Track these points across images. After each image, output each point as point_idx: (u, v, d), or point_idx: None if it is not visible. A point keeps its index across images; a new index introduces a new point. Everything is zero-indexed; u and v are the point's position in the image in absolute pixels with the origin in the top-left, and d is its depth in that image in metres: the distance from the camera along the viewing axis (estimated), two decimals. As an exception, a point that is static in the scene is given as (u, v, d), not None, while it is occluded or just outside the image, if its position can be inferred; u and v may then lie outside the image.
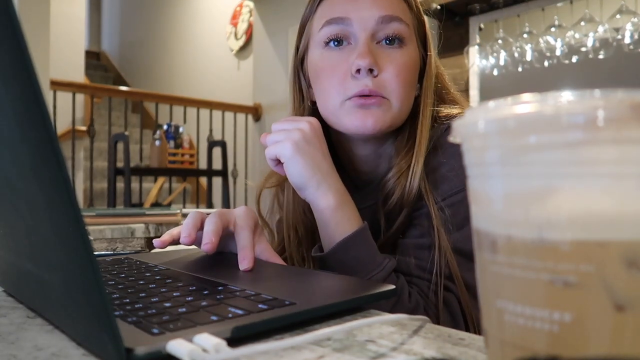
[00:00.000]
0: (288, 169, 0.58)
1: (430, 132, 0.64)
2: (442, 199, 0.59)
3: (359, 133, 0.62)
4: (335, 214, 0.58)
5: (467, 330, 0.56)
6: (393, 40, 0.62)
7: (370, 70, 0.60)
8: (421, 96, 0.65)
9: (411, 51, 0.64)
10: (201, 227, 0.57)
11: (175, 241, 0.60)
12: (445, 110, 0.67)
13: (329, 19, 0.63)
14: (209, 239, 0.54)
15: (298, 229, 0.70)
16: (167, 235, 0.60)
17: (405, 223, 0.63)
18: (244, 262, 0.52)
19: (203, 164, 3.93)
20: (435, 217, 0.59)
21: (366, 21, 0.61)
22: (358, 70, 0.60)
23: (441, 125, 0.64)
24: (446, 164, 0.61)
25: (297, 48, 0.71)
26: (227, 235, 0.58)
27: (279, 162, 0.60)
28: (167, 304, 0.37)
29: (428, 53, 0.67)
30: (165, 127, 3.34)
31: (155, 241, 0.59)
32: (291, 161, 0.57)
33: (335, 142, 0.71)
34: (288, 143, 0.57)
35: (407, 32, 0.63)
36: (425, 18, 0.69)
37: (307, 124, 0.59)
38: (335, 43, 0.63)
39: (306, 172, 0.57)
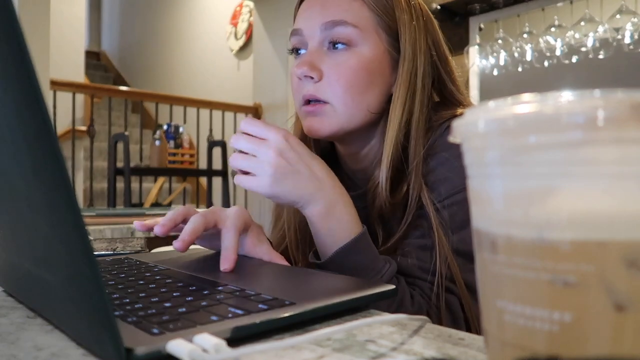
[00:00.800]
0: (273, 200, 0.58)
1: (428, 133, 0.63)
2: (442, 200, 0.59)
3: (312, 136, 0.65)
4: (327, 223, 0.56)
5: (469, 331, 0.56)
6: (338, 45, 0.63)
7: (311, 77, 0.62)
8: (393, 94, 0.64)
9: (364, 51, 0.62)
10: (183, 222, 0.57)
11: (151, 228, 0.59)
12: (445, 109, 0.66)
13: (291, 31, 0.67)
14: (182, 237, 0.53)
15: (297, 231, 0.70)
16: (150, 221, 0.60)
17: (407, 224, 0.62)
18: (224, 263, 0.52)
19: (203, 164, 3.93)
20: (434, 219, 0.58)
21: (312, 30, 0.64)
22: (300, 78, 0.63)
23: (440, 126, 0.64)
24: (445, 164, 0.61)
25: None
26: (217, 234, 0.57)
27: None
28: (167, 304, 0.37)
29: (404, 49, 0.64)
30: (165, 127, 3.34)
31: (135, 222, 0.59)
32: (273, 197, 0.56)
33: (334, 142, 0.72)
34: (263, 180, 0.54)
35: (356, 33, 0.62)
36: (407, 12, 0.65)
37: (273, 152, 0.54)
38: (297, 52, 0.67)
39: (291, 198, 0.55)
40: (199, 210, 0.59)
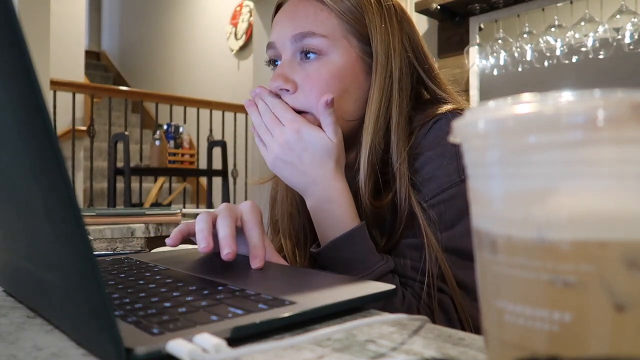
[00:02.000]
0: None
1: (411, 133, 0.63)
2: (428, 199, 0.59)
3: None
4: (322, 214, 0.60)
5: (463, 330, 0.56)
6: (309, 55, 0.63)
7: (287, 90, 0.63)
8: (368, 99, 0.64)
9: (334, 59, 0.63)
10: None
11: (186, 238, 0.58)
12: (429, 108, 0.65)
13: (267, 44, 0.69)
14: (230, 248, 0.51)
15: (292, 227, 0.71)
16: (177, 233, 0.58)
17: (400, 226, 0.62)
18: (256, 261, 0.52)
19: (203, 164, 3.94)
20: (422, 218, 0.58)
21: (283, 42, 0.65)
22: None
23: (423, 126, 0.63)
24: (431, 162, 0.60)
25: None
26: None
27: None
28: (167, 304, 0.37)
29: (376, 53, 0.64)
30: (165, 127, 3.34)
31: (167, 240, 0.58)
32: (274, 170, 0.62)
33: None
34: (269, 155, 0.62)
35: (325, 42, 0.62)
36: (377, 16, 0.65)
37: (289, 131, 0.60)
38: (274, 63, 0.69)
39: (289, 183, 0.62)
40: (207, 210, 0.59)
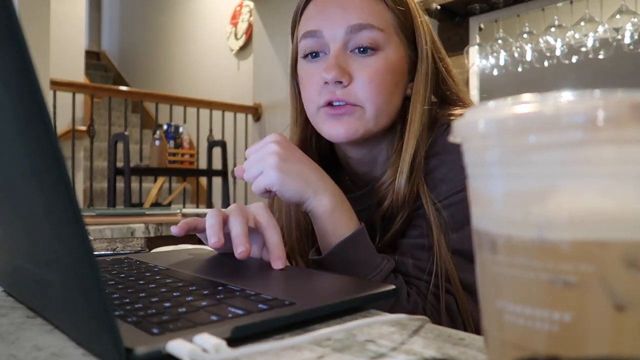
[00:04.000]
0: (282, 194, 0.58)
1: (430, 132, 0.63)
2: (441, 200, 0.59)
3: (335, 140, 0.64)
4: (332, 218, 0.57)
5: (465, 330, 0.56)
6: (365, 49, 0.61)
7: (340, 82, 0.61)
8: (412, 96, 0.64)
9: (389, 54, 0.62)
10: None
11: (192, 231, 0.58)
12: (448, 110, 0.66)
13: (304, 32, 0.65)
14: (244, 246, 0.51)
15: (292, 233, 0.70)
16: (185, 224, 0.57)
17: (404, 225, 0.62)
18: (278, 262, 0.51)
19: (203, 164, 3.93)
20: (433, 219, 0.58)
21: (335, 32, 0.62)
22: (327, 82, 0.61)
23: (441, 126, 0.64)
24: (445, 164, 0.61)
25: (292, 54, 0.71)
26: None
27: (269, 191, 0.59)
28: (167, 304, 0.37)
29: (421, 49, 0.65)
30: (165, 127, 3.34)
31: (173, 228, 0.57)
32: (282, 186, 0.57)
33: (335, 145, 0.71)
34: (271, 171, 0.57)
35: (382, 36, 0.61)
36: (417, 12, 0.66)
37: (273, 144, 0.58)
38: (313, 55, 0.65)
39: (299, 187, 0.57)
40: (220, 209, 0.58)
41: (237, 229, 0.52)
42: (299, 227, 0.70)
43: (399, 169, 0.61)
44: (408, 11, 0.64)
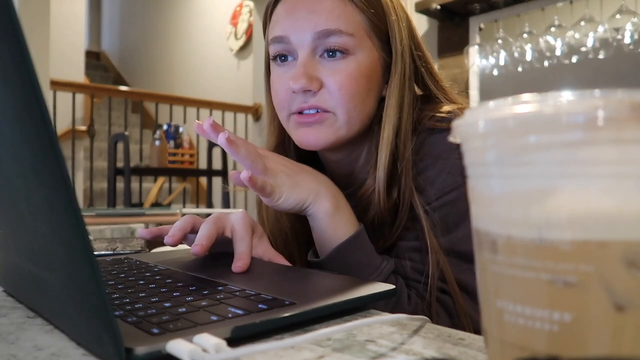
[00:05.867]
0: (285, 200, 0.56)
1: (414, 134, 0.62)
2: (432, 202, 0.58)
3: (306, 148, 0.62)
4: (333, 220, 0.57)
5: (463, 331, 0.56)
6: (334, 52, 0.60)
7: (309, 90, 0.59)
8: (385, 100, 0.62)
9: (360, 59, 0.60)
10: (191, 231, 0.57)
11: (159, 237, 0.59)
12: (433, 108, 0.64)
13: (272, 37, 0.63)
14: (200, 242, 0.53)
15: (281, 235, 0.70)
16: (155, 229, 0.60)
17: (399, 228, 0.61)
18: (238, 263, 0.52)
19: (203, 164, 3.93)
20: (426, 221, 0.58)
21: (303, 38, 0.60)
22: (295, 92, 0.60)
23: (427, 127, 0.62)
24: (434, 165, 0.59)
25: (265, 54, 0.69)
26: (222, 241, 0.57)
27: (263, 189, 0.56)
28: (167, 304, 0.37)
29: (395, 50, 0.62)
30: (165, 127, 3.34)
31: (141, 230, 0.60)
32: (289, 197, 0.56)
33: None
34: (282, 182, 0.55)
35: (352, 41, 0.59)
36: (392, 10, 0.63)
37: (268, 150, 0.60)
38: (282, 58, 0.63)
39: (303, 195, 0.56)
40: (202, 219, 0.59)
41: (202, 231, 0.55)
42: (284, 231, 0.70)
43: (376, 178, 0.61)
44: (382, 12, 0.62)
